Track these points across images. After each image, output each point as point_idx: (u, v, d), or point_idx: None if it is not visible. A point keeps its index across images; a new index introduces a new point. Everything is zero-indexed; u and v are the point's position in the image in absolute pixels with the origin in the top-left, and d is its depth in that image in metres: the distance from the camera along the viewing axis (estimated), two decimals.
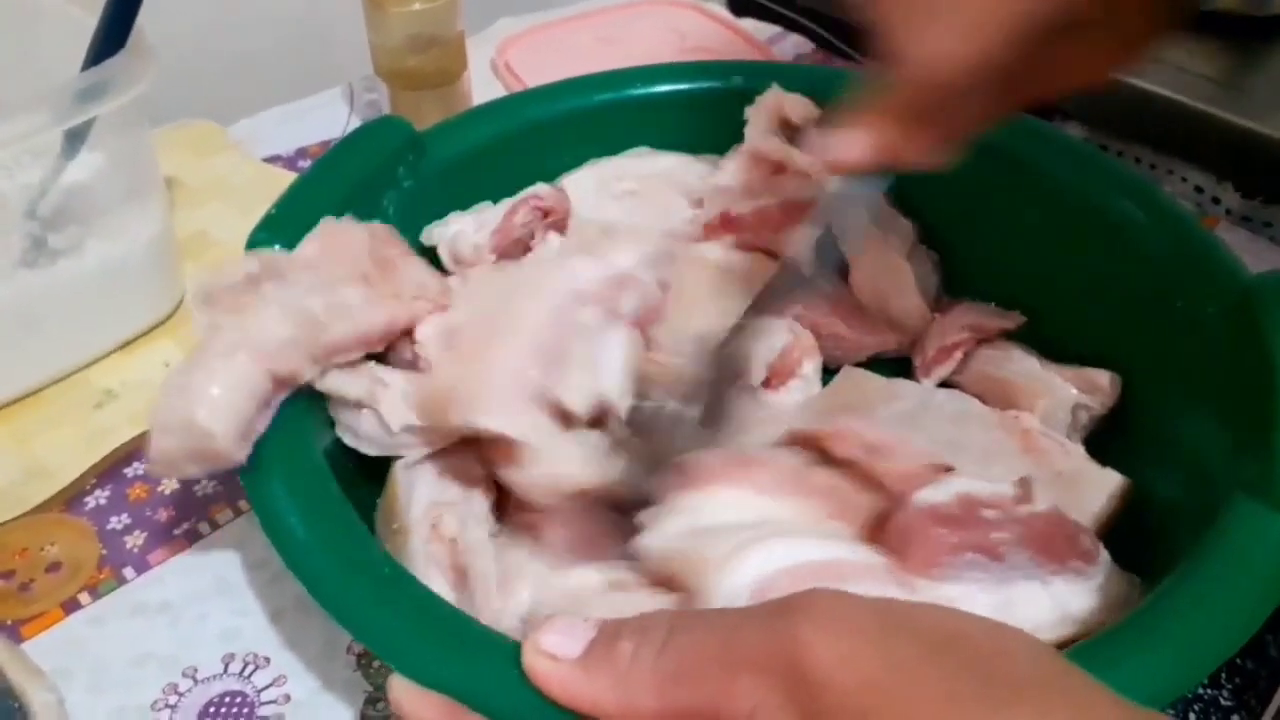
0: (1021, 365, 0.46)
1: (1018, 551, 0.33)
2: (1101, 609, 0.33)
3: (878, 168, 0.35)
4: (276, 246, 0.39)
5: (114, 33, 0.47)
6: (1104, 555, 0.35)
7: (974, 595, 0.32)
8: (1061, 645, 0.30)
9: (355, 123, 0.72)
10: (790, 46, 0.78)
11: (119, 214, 0.52)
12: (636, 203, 0.51)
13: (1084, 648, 0.28)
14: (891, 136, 0.33)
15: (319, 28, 0.81)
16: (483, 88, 0.71)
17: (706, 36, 0.78)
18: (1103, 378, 0.43)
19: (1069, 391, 0.43)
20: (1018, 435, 0.42)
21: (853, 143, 0.34)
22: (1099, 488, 0.40)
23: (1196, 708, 0.38)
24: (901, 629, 0.24)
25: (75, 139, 0.49)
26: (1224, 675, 0.39)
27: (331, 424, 0.38)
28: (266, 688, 0.40)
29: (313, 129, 0.71)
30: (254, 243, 0.39)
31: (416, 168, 0.45)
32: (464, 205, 0.48)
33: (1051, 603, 0.33)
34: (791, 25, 0.81)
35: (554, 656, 0.26)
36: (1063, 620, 0.33)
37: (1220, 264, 0.40)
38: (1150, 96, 0.64)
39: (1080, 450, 0.42)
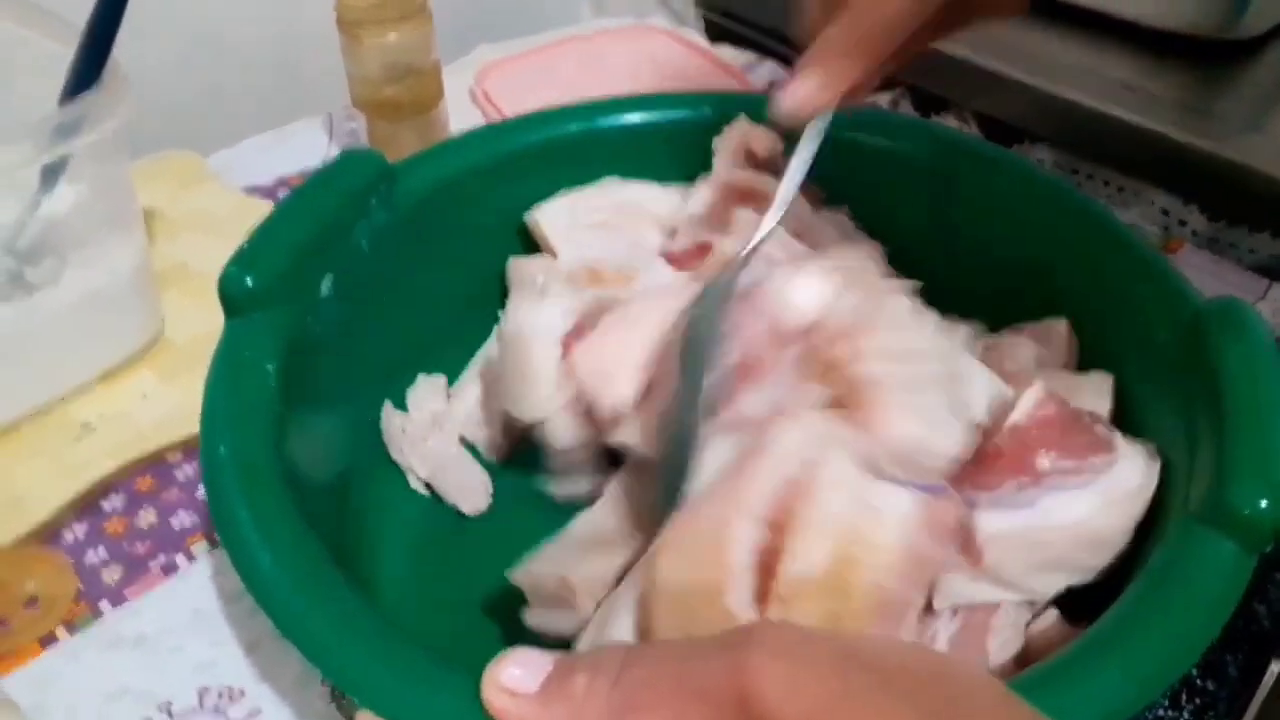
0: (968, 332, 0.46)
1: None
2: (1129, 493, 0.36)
3: (834, 105, 0.37)
4: (248, 281, 0.39)
5: (89, 66, 0.48)
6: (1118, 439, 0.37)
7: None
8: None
9: (335, 152, 0.72)
10: (766, 73, 0.79)
11: (97, 246, 0.52)
12: (608, 233, 0.51)
13: (1031, 674, 0.29)
14: (844, 72, 0.36)
15: (298, 58, 0.82)
16: (461, 115, 0.72)
17: (683, 64, 0.79)
18: (1060, 326, 0.45)
19: (1028, 348, 0.45)
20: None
21: (811, 84, 0.37)
22: (1097, 390, 0.41)
23: None
24: (851, 659, 0.24)
25: (52, 173, 0.50)
26: (1184, 696, 0.40)
27: (299, 446, 0.39)
28: None
29: (292, 159, 0.71)
30: (226, 278, 0.39)
31: (389, 200, 0.46)
32: (438, 237, 0.49)
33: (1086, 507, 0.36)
34: (767, 52, 0.82)
35: (512, 692, 0.27)
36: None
37: (1172, 288, 0.40)
38: (1117, 121, 0.65)
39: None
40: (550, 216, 0.51)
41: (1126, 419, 0.41)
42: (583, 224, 0.51)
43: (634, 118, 0.53)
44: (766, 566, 0.33)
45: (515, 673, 0.27)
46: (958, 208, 0.49)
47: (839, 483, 0.34)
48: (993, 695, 0.25)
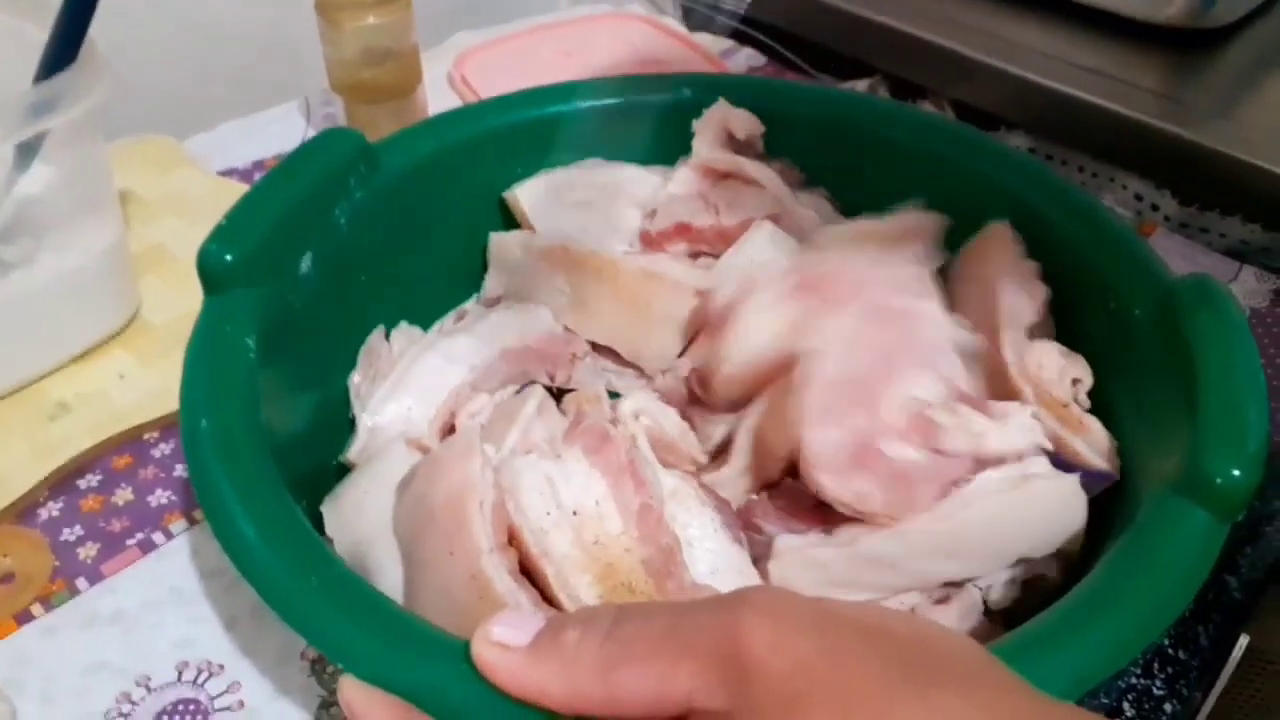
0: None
1: None
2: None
3: None
4: (227, 257, 0.39)
5: (65, 46, 0.48)
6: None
7: None
8: None
9: (312, 136, 0.72)
10: (743, 59, 0.80)
11: (72, 227, 0.52)
12: (589, 212, 0.52)
13: (1009, 640, 0.29)
14: None
15: (275, 42, 0.82)
16: (439, 100, 0.72)
17: (661, 49, 0.79)
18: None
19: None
20: None
21: None
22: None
23: (1130, 697, 0.40)
24: (834, 619, 0.25)
25: (27, 152, 0.49)
26: (1156, 665, 0.40)
27: (279, 420, 0.39)
28: (220, 695, 0.40)
29: (269, 143, 0.71)
30: (205, 254, 0.39)
31: (368, 179, 0.46)
32: (417, 215, 0.49)
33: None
34: (744, 39, 0.82)
35: (503, 646, 0.27)
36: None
37: (1146, 266, 0.41)
38: (1092, 107, 0.66)
39: None
40: (529, 194, 0.51)
41: (1100, 394, 0.42)
42: (561, 202, 0.51)
43: (613, 100, 0.53)
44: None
45: (506, 629, 0.27)
46: (935, 188, 0.49)
47: None
48: (973, 657, 0.25)
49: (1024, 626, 0.30)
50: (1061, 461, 0.39)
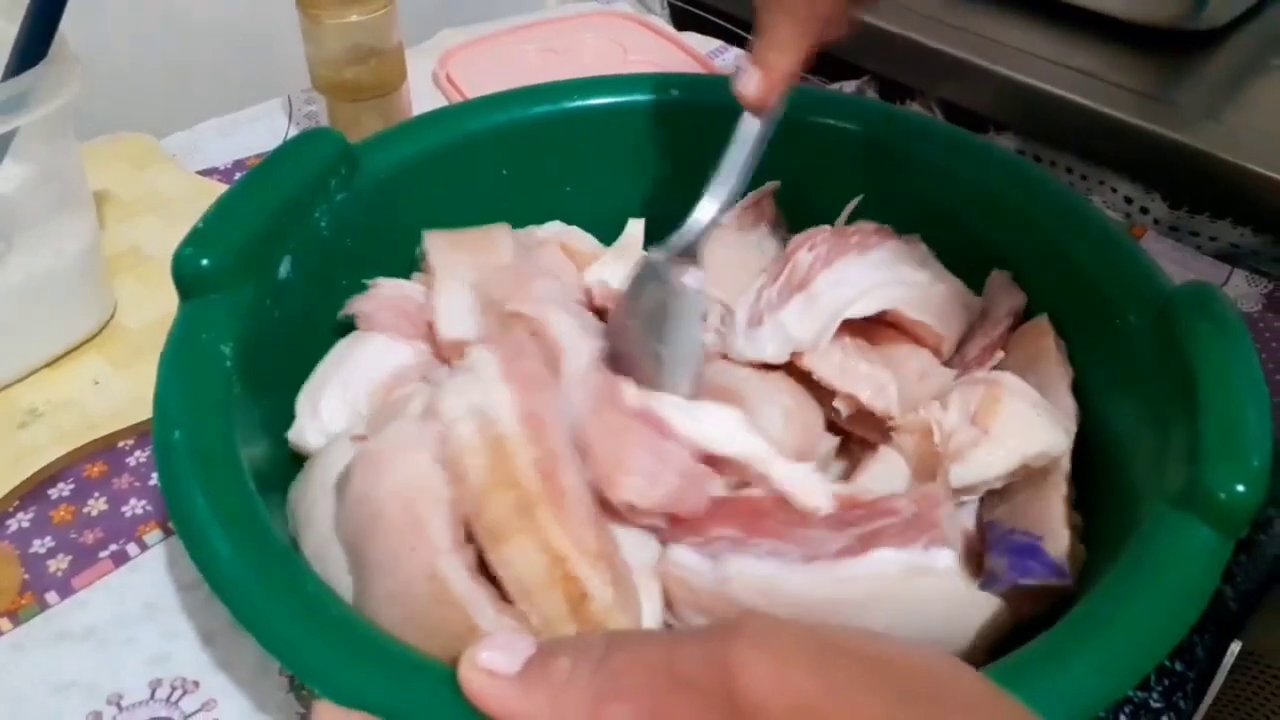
0: None
1: None
2: None
3: (789, 88, 0.40)
4: (204, 262, 0.38)
5: (35, 42, 0.46)
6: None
7: None
8: None
9: (294, 135, 0.71)
10: (731, 59, 0.79)
11: (45, 227, 0.51)
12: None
13: (1010, 664, 0.28)
14: (791, 59, 0.39)
15: (257, 39, 0.80)
16: (424, 99, 0.71)
17: (648, 49, 0.78)
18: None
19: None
20: None
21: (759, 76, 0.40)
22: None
23: (1126, 710, 0.39)
24: (836, 651, 0.24)
25: None
26: (1153, 678, 0.40)
27: (256, 429, 0.37)
28: (195, 713, 0.39)
29: (250, 141, 0.70)
30: (180, 258, 0.38)
31: (349, 181, 0.45)
32: (398, 218, 0.47)
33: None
34: (732, 39, 0.81)
35: (491, 672, 0.26)
36: None
37: (1144, 274, 0.40)
38: (1081, 109, 0.65)
39: None
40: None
41: (1093, 405, 0.41)
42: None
43: (598, 100, 0.52)
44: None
45: (495, 655, 0.26)
46: (930, 194, 0.48)
47: None
48: (978, 688, 0.24)
49: (1023, 649, 0.29)
50: (1024, 548, 0.36)
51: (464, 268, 0.46)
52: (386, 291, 0.46)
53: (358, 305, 0.45)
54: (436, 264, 0.46)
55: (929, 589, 0.33)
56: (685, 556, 0.35)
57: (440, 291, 0.45)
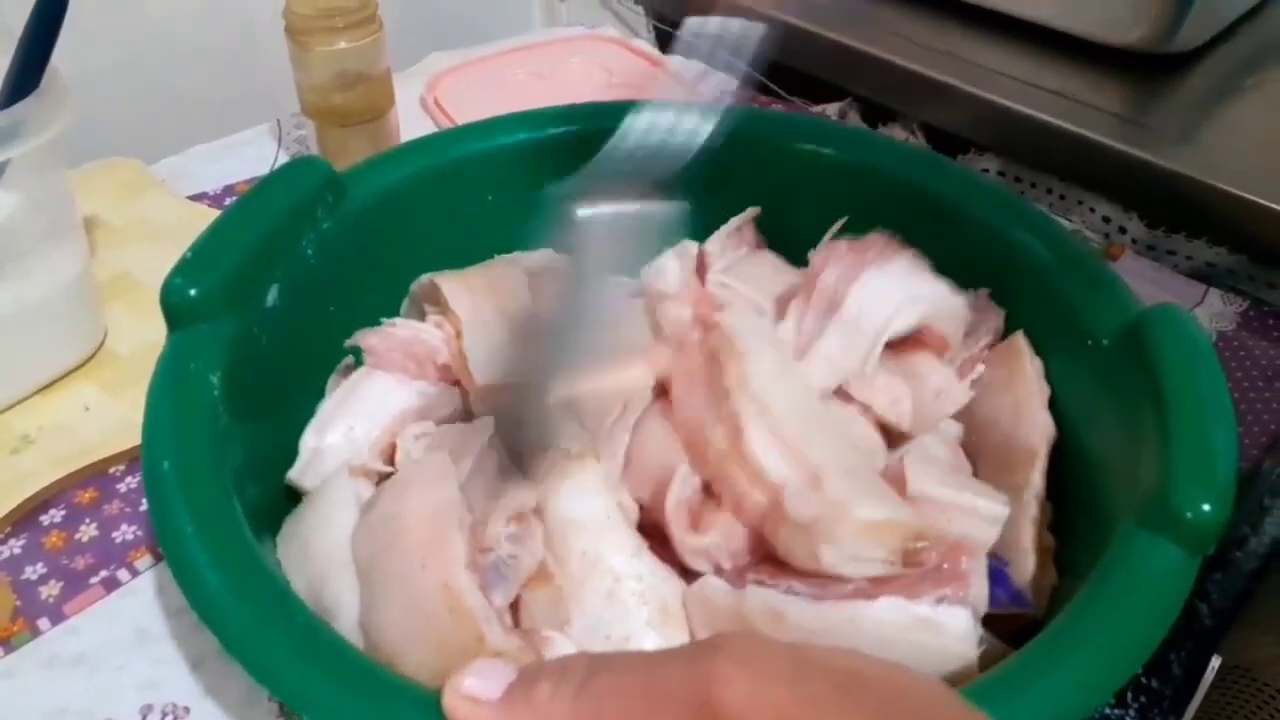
0: None
1: None
2: None
3: None
4: (192, 292, 0.39)
5: (27, 74, 0.47)
6: None
7: None
8: None
9: (284, 159, 0.72)
10: (716, 84, 0.80)
11: (36, 256, 0.51)
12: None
13: (983, 683, 0.29)
14: None
15: (247, 64, 0.81)
16: (412, 124, 0.72)
17: (634, 73, 0.79)
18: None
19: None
20: None
21: None
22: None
23: None
24: (814, 668, 0.25)
25: None
26: (1130, 694, 0.40)
27: (245, 459, 0.38)
28: None
29: (240, 166, 0.70)
30: (168, 288, 0.39)
31: (336, 209, 0.45)
32: (385, 246, 0.48)
33: None
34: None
35: (474, 699, 0.27)
36: None
37: (1114, 296, 0.41)
38: (1059, 131, 0.66)
39: None
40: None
41: (1066, 426, 0.42)
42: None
43: (585, 126, 0.53)
44: None
45: (477, 681, 0.27)
46: (907, 217, 0.49)
47: None
48: (951, 705, 0.25)
49: (995, 668, 0.30)
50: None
51: (489, 313, 0.46)
52: (401, 333, 0.46)
53: (367, 341, 0.46)
54: (459, 309, 0.46)
55: (938, 649, 0.32)
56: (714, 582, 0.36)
57: (469, 339, 0.45)
